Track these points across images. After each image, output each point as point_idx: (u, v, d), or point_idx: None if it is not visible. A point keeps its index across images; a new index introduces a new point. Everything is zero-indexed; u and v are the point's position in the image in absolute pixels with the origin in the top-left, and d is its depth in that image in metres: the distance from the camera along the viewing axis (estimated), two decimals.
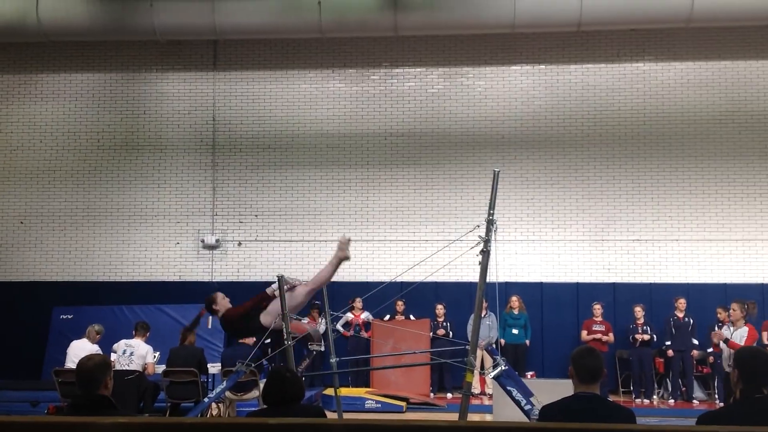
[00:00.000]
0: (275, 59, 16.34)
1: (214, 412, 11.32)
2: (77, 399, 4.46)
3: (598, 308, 14.22)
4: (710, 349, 13.38)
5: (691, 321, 13.66)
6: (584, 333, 14.08)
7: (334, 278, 14.65)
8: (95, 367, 4.47)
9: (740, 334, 10.24)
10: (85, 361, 4.55)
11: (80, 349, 10.63)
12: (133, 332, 11.25)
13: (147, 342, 11.16)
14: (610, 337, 14.01)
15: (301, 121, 16.19)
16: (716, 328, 10.57)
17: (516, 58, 15.92)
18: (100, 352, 10.34)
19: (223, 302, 8.30)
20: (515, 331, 14.22)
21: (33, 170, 16.54)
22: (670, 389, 14.01)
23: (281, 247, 16.05)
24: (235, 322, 8.20)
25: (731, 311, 10.45)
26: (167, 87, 16.53)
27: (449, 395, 14.15)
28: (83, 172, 16.48)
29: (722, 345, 11.05)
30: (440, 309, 14.56)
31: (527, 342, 14.38)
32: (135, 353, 10.87)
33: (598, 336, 13.86)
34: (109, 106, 16.58)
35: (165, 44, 16.11)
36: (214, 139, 16.35)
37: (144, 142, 16.46)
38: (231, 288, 15.75)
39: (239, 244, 16.17)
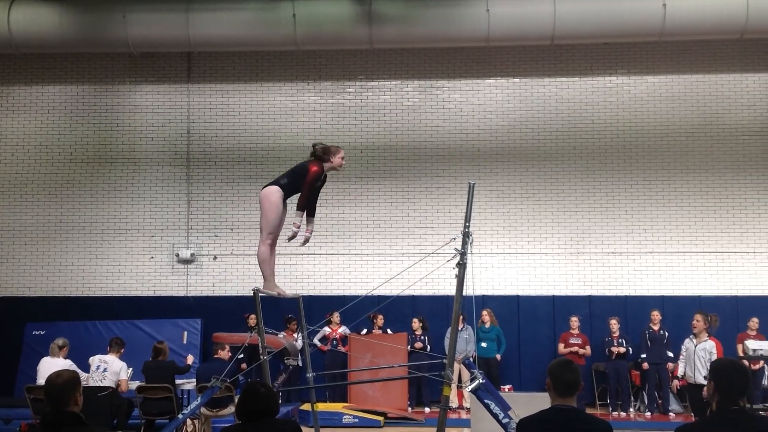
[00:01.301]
0: (250, 72, 16.28)
1: (189, 429, 11.19)
2: (47, 416, 4.37)
3: (575, 321, 14.26)
4: None
5: (666, 333, 13.71)
6: (561, 346, 14.10)
7: (311, 292, 14.62)
8: (64, 384, 4.39)
9: (703, 347, 10.27)
10: (53, 378, 4.47)
11: (52, 365, 10.45)
12: (108, 348, 11.10)
13: (121, 358, 11.01)
14: (587, 350, 14.04)
15: (276, 134, 16.13)
16: (690, 337, 10.58)
17: (491, 71, 15.99)
18: (73, 366, 10.21)
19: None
20: (484, 345, 14.17)
21: (4, 184, 16.34)
22: (646, 402, 14.05)
23: (257, 262, 15.88)
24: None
25: (695, 322, 10.50)
26: (141, 99, 16.42)
27: (427, 409, 14.08)
28: (56, 185, 16.30)
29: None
30: (416, 323, 14.50)
31: (498, 356, 14.33)
32: (108, 369, 10.73)
33: (575, 349, 13.88)
34: (81, 119, 16.43)
35: (138, 56, 16.00)
36: (188, 152, 16.25)
37: (117, 155, 16.32)
38: (207, 302, 15.71)
39: (214, 258, 16.05)
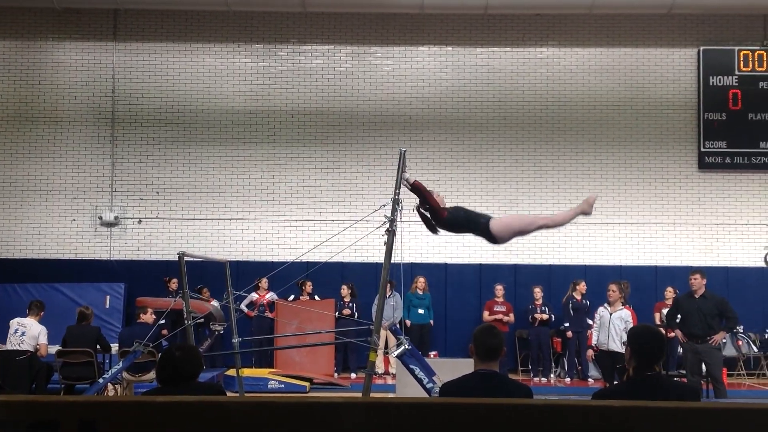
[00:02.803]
0: (178, 31, 15.90)
1: (111, 394, 11.01)
2: None
3: (499, 289, 14.48)
4: None
5: (588, 303, 14.04)
6: (486, 314, 14.31)
7: (239, 257, 14.51)
8: None
9: (619, 316, 10.55)
10: None
11: None
12: (27, 311, 10.81)
13: (41, 322, 10.73)
14: (511, 317, 14.29)
15: (205, 96, 15.83)
16: (605, 306, 10.87)
17: (424, 39, 15.97)
18: None
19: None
20: (420, 311, 14.33)
21: None
22: (566, 368, 14.41)
23: (183, 225, 15.71)
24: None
25: (610, 292, 10.75)
26: (64, 57, 15.88)
27: (353, 375, 14.18)
28: None
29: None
30: (345, 289, 14.53)
31: (431, 322, 14.52)
32: (27, 333, 10.45)
33: (500, 317, 14.11)
34: (2, 76, 15.84)
35: (62, 12, 15.47)
36: (113, 113, 15.83)
37: (39, 114, 15.79)
38: (131, 266, 15.43)
39: (139, 221, 15.74)
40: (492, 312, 14.27)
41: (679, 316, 10.53)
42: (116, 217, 15.63)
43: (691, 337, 10.28)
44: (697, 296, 10.33)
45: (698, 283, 10.36)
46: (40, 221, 15.68)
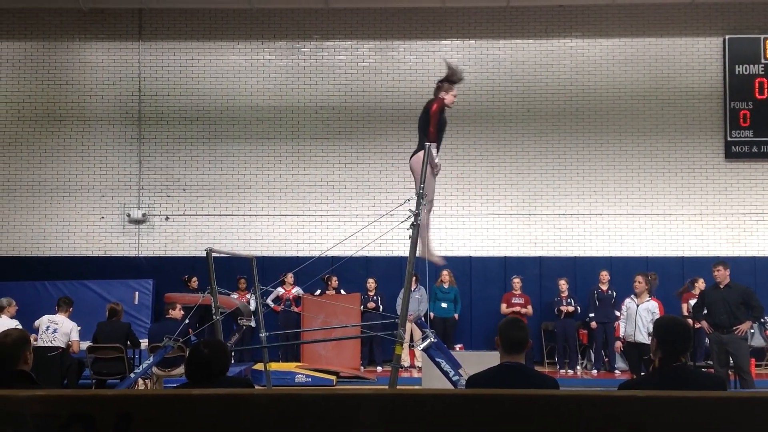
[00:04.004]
0: (203, 30, 16.03)
1: (141, 389, 11.16)
2: None
3: (517, 282, 14.48)
4: None
5: (614, 293, 13.98)
6: (503, 306, 14.31)
7: (265, 253, 14.60)
8: (13, 343, 4.36)
9: (646, 307, 10.51)
10: (2, 337, 4.44)
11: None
12: (56, 308, 10.98)
13: (71, 318, 10.90)
14: (529, 309, 14.25)
15: (230, 94, 15.95)
16: (632, 297, 10.84)
17: (446, 32, 15.96)
18: (19, 326, 10.07)
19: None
20: (444, 305, 14.36)
21: None
22: (593, 360, 14.38)
23: (210, 222, 15.85)
24: None
25: (636, 283, 10.73)
26: (91, 57, 16.07)
27: (379, 368, 14.24)
28: (3, 144, 15.96)
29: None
30: (371, 283, 14.60)
31: (456, 315, 14.54)
32: (59, 330, 10.61)
33: (517, 309, 14.11)
34: (30, 76, 16.05)
35: (88, 12, 15.65)
36: (140, 111, 16.00)
37: (67, 114, 16.00)
38: (158, 263, 15.60)
39: (167, 218, 15.91)
40: (510, 304, 14.27)
41: (705, 308, 10.49)
42: (144, 215, 15.81)
43: (717, 327, 10.23)
44: (722, 287, 10.29)
45: (722, 274, 10.32)
46: (69, 219, 15.90)
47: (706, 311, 10.46)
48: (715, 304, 10.25)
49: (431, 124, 7.70)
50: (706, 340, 11.84)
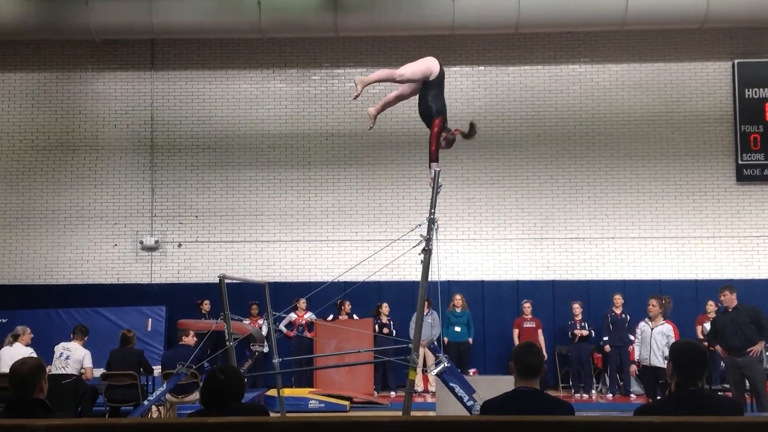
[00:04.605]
0: (215, 59, 16.19)
1: (155, 416, 11.16)
2: (12, 403, 4.38)
3: (527, 306, 14.47)
4: None
5: (628, 317, 13.93)
6: (516, 332, 14.31)
7: (277, 279, 14.60)
8: (29, 371, 4.41)
9: (660, 330, 10.46)
10: (18, 365, 4.49)
11: (14, 353, 10.35)
12: (71, 335, 11.02)
13: (85, 345, 10.93)
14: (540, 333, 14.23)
15: (241, 122, 16.07)
16: (646, 321, 10.80)
17: (456, 59, 16.06)
18: (34, 355, 10.11)
19: None
20: (458, 329, 14.35)
21: None
22: (608, 384, 14.29)
23: (222, 248, 15.91)
24: None
25: (650, 307, 10.67)
26: (104, 87, 16.25)
27: (393, 393, 14.20)
28: (18, 173, 16.10)
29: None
30: (384, 307, 14.60)
31: (470, 340, 14.52)
32: (72, 357, 10.64)
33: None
34: (44, 106, 16.23)
35: (101, 43, 15.83)
36: (152, 140, 16.13)
37: (80, 143, 16.15)
38: (171, 290, 15.65)
39: (179, 245, 15.98)
40: (522, 329, 14.24)
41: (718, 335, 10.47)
42: (156, 242, 15.88)
43: (730, 351, 10.19)
44: (730, 311, 10.29)
45: (728, 298, 10.36)
46: (83, 247, 15.99)
47: (719, 336, 10.43)
48: (726, 328, 10.24)
49: (432, 144, 7.71)
50: (722, 364, 11.78)
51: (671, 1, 13.95)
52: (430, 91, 7.78)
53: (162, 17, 14.22)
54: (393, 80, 7.81)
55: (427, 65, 7.77)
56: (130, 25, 14.51)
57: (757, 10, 14.05)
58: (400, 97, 7.91)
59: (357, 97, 7.89)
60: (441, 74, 7.80)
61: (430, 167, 7.67)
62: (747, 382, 10.27)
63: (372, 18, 14.31)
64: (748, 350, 10.02)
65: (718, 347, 10.47)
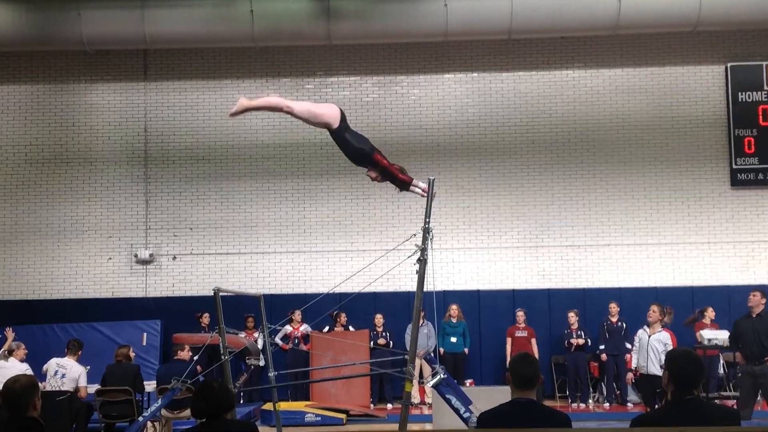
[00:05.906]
0: (208, 69, 16.15)
1: (150, 431, 11.09)
2: (6, 422, 4.32)
3: (520, 315, 14.40)
4: None
5: (624, 325, 13.89)
6: (509, 340, 14.23)
7: (272, 291, 14.56)
8: (22, 389, 4.36)
9: (657, 338, 10.39)
10: (11, 383, 4.43)
11: (8, 370, 10.25)
12: (66, 350, 10.92)
13: (79, 360, 10.82)
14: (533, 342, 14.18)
15: (235, 132, 16.02)
16: (644, 328, 10.73)
17: (449, 66, 16.06)
18: (29, 371, 10.02)
19: None
20: (454, 340, 14.28)
21: None
22: (605, 393, 14.23)
23: (217, 260, 15.84)
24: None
25: (651, 312, 10.61)
26: (97, 98, 16.20)
27: (389, 406, 14.12)
28: (10, 186, 16.03)
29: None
30: (379, 319, 14.53)
31: (466, 350, 14.44)
32: (67, 375, 10.49)
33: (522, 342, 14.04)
34: (36, 119, 16.17)
35: (93, 54, 15.78)
36: (146, 151, 16.07)
37: (73, 155, 16.09)
38: (166, 303, 15.57)
39: (174, 258, 15.90)
40: (514, 338, 14.18)
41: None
42: (151, 255, 15.81)
43: (748, 359, 10.07)
44: (753, 315, 10.13)
45: (756, 300, 10.15)
46: (77, 261, 15.91)
47: (740, 342, 10.28)
48: (746, 334, 10.08)
49: (393, 171, 8.01)
50: (719, 371, 11.73)
51: (663, 5, 13.94)
52: (344, 136, 7.74)
53: (154, 27, 14.17)
54: (280, 110, 7.60)
55: (325, 118, 7.56)
56: (122, 36, 14.46)
57: (749, 12, 14.04)
58: (289, 113, 7.59)
59: (233, 115, 7.52)
60: (343, 121, 7.68)
61: (410, 189, 7.64)
62: (760, 391, 10.14)
63: (365, 25, 14.29)
64: (766, 359, 9.88)
65: (738, 354, 10.33)
